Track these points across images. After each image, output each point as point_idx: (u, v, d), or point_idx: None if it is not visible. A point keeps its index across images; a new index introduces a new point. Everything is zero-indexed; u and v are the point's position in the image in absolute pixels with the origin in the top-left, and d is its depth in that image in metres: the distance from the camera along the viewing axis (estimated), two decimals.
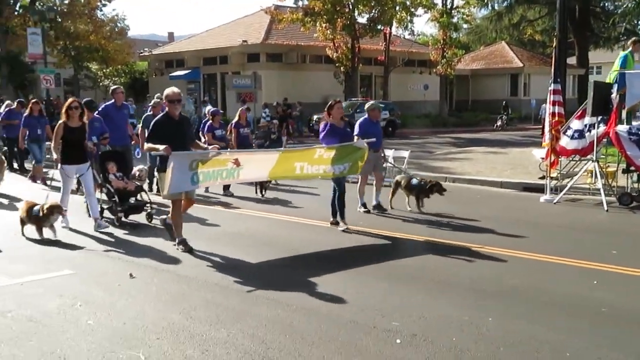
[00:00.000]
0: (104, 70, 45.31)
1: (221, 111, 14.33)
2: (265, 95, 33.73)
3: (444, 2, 38.33)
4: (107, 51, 41.31)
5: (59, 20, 38.63)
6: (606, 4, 47.45)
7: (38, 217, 8.50)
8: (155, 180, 11.64)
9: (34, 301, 6.13)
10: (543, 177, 12.89)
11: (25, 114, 14.88)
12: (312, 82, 37.20)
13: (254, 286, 6.51)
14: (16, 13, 38.35)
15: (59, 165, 9.23)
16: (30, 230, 8.75)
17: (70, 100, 9.40)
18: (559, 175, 12.86)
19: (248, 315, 5.69)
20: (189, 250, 7.89)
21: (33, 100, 15.47)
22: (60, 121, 9.13)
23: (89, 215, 9.66)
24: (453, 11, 38.32)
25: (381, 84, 40.93)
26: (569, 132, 12.51)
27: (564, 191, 11.90)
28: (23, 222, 8.81)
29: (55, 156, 9.23)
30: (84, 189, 9.70)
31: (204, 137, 12.84)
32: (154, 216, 9.86)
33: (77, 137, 9.14)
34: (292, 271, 7.24)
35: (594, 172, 12.16)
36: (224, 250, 8.14)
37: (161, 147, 7.50)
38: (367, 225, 9.57)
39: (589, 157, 12.21)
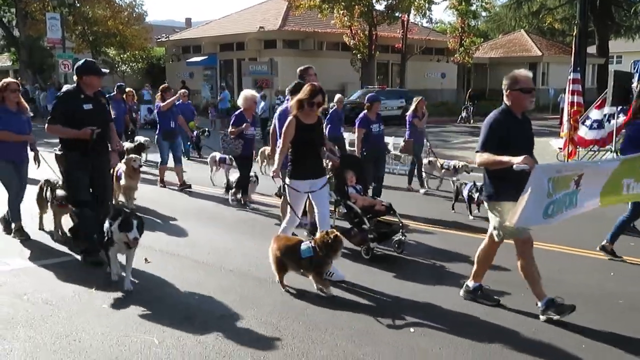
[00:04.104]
0: (122, 56, 45.45)
1: (382, 98, 10.84)
2: (282, 82, 33.66)
3: None
4: (125, 37, 41.44)
5: (78, 5, 38.81)
6: None
7: (318, 261, 5.78)
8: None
9: (50, 284, 6.20)
10: None
11: (157, 103, 12.04)
12: (329, 69, 36.97)
13: (270, 274, 6.51)
14: None
15: (287, 178, 6.42)
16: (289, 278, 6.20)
17: (310, 86, 6.36)
18: None
19: (262, 302, 5.71)
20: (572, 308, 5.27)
21: (163, 86, 12.29)
22: (290, 117, 6.35)
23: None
24: None
25: (398, 72, 40.67)
26: (588, 122, 12.40)
27: None
28: (283, 268, 6.04)
29: (275, 166, 6.37)
30: (316, 214, 6.58)
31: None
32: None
33: (312, 139, 6.37)
34: None
35: None
36: (241, 239, 8.16)
37: (516, 159, 4.88)
38: None
39: (607, 147, 12.09)
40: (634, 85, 11.71)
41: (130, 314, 5.40)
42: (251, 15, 41.87)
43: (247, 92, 10.40)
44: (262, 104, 21.87)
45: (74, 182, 6.84)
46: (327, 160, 7.06)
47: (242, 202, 10.27)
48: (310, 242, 5.85)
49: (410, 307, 5.61)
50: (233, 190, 10.38)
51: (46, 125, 6.68)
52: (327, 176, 6.77)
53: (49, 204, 7.92)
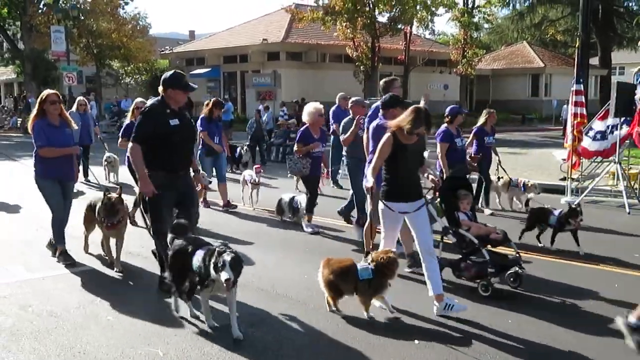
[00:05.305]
0: (126, 68, 45.68)
1: (465, 110, 9.70)
2: (285, 94, 33.78)
3: (465, 1, 38.14)
4: (129, 49, 41.64)
5: (82, 18, 39.02)
6: (630, 4, 46.85)
7: (377, 283, 5.46)
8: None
9: (55, 296, 6.21)
10: (564, 179, 12.78)
11: (202, 116, 10.96)
12: (332, 81, 37.15)
13: (274, 286, 6.51)
14: (40, 11, 38.79)
15: (381, 202, 5.84)
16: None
17: (414, 114, 5.64)
18: (580, 176, 12.74)
19: (266, 313, 5.70)
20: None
21: (215, 100, 11.28)
22: (387, 133, 5.78)
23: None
24: (474, 11, 38.10)
25: (401, 83, 40.80)
26: (591, 134, 12.40)
27: (585, 193, 11.77)
28: (338, 293, 5.65)
29: (369, 181, 5.80)
30: (417, 243, 5.93)
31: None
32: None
33: (411, 160, 5.85)
34: (313, 272, 7.23)
35: (616, 174, 12.03)
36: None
37: None
38: None
39: (611, 158, 12.09)
40: (637, 96, 11.71)
41: (134, 326, 5.41)
42: (254, 28, 42.08)
43: (311, 106, 9.50)
44: (265, 115, 21.94)
45: (156, 207, 6.08)
46: (430, 181, 6.32)
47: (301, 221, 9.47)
48: (369, 264, 5.48)
49: (417, 316, 5.59)
50: (303, 214, 9.47)
51: (130, 143, 6.05)
52: (429, 197, 6.29)
53: (97, 224, 7.30)
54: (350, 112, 9.43)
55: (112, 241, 7.26)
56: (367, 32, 34.17)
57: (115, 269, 7.09)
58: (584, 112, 12.16)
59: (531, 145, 25.47)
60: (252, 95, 35.50)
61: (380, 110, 6.95)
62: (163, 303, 5.99)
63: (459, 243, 6.57)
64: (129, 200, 7.62)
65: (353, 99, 9.86)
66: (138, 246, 7.99)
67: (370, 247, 6.29)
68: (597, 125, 12.43)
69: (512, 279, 6.44)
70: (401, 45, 37.34)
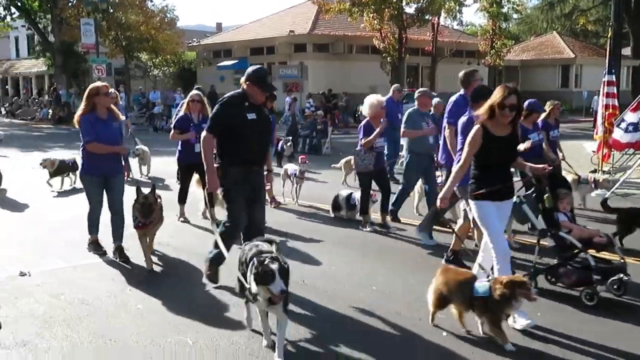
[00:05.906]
0: (154, 60, 46.07)
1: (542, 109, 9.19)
2: (312, 86, 33.79)
3: None
4: (157, 41, 41.97)
5: (111, 11, 39.39)
6: None
7: (494, 305, 4.73)
8: None
9: (86, 284, 6.31)
10: (595, 171, 12.61)
11: None
12: (359, 72, 37.09)
13: (300, 276, 6.53)
14: (70, 4, 39.27)
15: (469, 199, 5.55)
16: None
17: (503, 86, 5.31)
18: (611, 169, 12.55)
19: (292, 303, 5.72)
20: None
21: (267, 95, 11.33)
22: (476, 125, 5.32)
23: None
24: (503, 1, 37.57)
25: (428, 75, 40.47)
26: (623, 125, 12.22)
27: (616, 185, 11.58)
28: (441, 305, 5.13)
29: (445, 189, 5.45)
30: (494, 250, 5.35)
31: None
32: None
33: (504, 154, 5.35)
34: (344, 265, 7.24)
35: None
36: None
37: None
38: None
39: None
40: None
41: (164, 315, 5.48)
42: (281, 19, 42.12)
43: (373, 98, 9.04)
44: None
45: (232, 201, 6.00)
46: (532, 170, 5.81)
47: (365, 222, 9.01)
48: (490, 281, 4.85)
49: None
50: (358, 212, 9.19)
51: (204, 133, 5.91)
52: (529, 192, 5.86)
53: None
54: (416, 103, 9.30)
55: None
56: (395, 23, 33.97)
57: (147, 267, 6.87)
58: (616, 104, 12.01)
59: (561, 136, 25.06)
60: (279, 87, 35.43)
61: (470, 103, 6.56)
62: (192, 292, 6.07)
63: (559, 247, 6.11)
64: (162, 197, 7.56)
65: (420, 89, 9.59)
66: (167, 236, 8.07)
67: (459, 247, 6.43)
68: (629, 116, 12.23)
69: (615, 287, 5.82)
70: (429, 36, 37.05)
